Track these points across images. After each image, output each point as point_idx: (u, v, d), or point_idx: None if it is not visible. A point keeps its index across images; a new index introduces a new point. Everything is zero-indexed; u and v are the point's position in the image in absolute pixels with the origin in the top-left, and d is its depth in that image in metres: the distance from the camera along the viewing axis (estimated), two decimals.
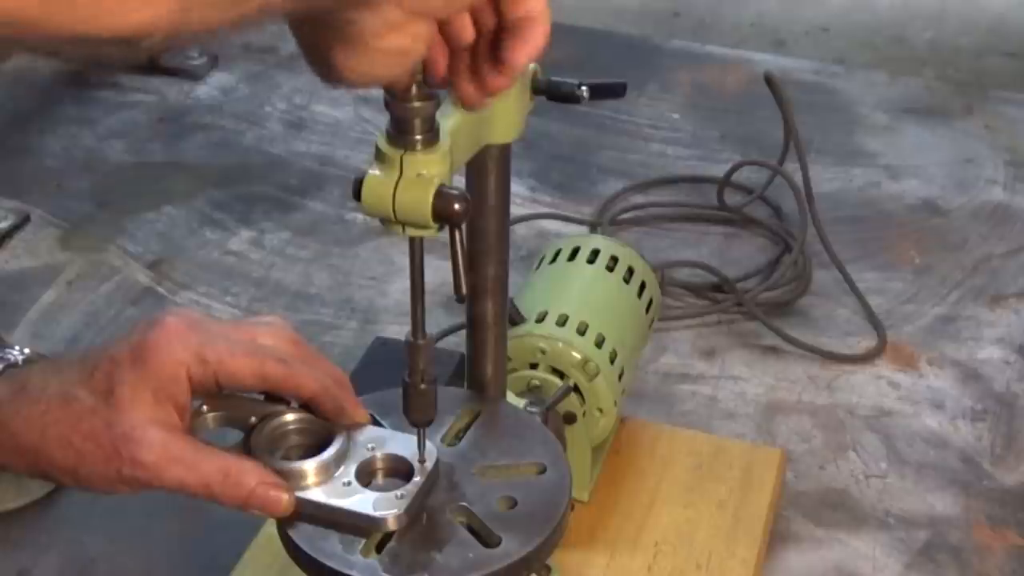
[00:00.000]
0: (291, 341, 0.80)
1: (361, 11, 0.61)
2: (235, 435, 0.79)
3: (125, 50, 0.55)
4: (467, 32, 0.67)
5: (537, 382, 0.97)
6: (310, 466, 0.77)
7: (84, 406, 0.74)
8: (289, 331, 0.81)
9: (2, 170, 1.48)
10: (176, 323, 0.76)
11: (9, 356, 0.88)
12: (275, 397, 0.80)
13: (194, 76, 1.67)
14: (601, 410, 0.98)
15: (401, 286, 1.30)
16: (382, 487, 0.77)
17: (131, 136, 1.56)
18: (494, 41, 0.67)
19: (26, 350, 0.90)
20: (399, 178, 0.69)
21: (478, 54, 0.68)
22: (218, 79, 1.67)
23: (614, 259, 1.06)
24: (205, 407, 0.79)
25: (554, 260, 1.07)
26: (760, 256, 1.37)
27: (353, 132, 1.56)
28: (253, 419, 0.79)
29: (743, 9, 3.10)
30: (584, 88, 0.80)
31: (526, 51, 0.67)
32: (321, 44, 0.63)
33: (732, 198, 1.42)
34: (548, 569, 0.91)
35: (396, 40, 0.62)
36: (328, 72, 0.64)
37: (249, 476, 0.74)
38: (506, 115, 0.79)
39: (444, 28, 0.66)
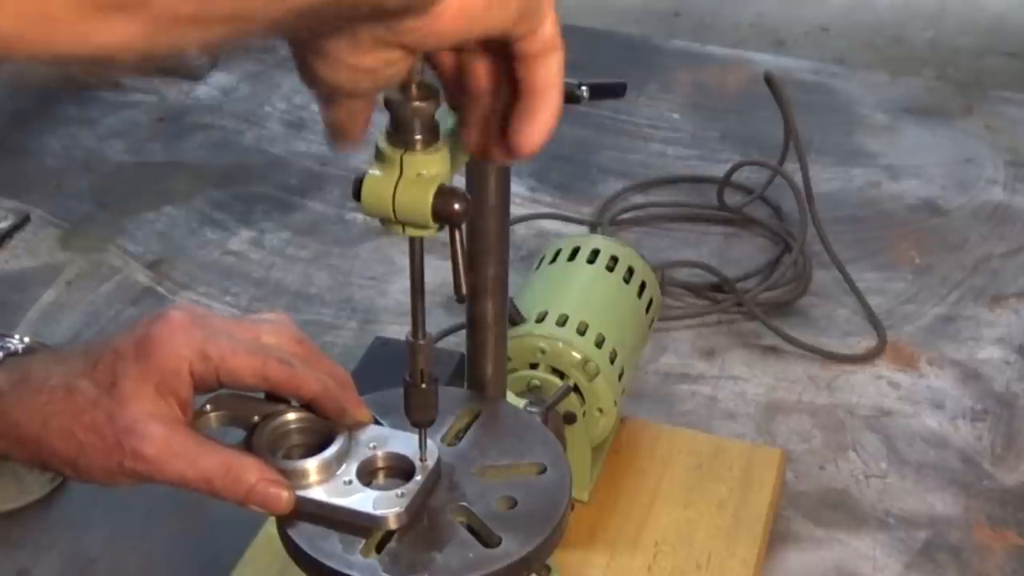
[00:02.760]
0: (295, 340, 0.80)
1: (332, 35, 0.60)
2: (237, 435, 0.79)
3: (96, 72, 0.54)
4: (474, 82, 0.66)
5: (537, 382, 0.97)
6: (311, 465, 0.76)
7: (86, 398, 0.74)
8: (294, 329, 0.81)
9: (2, 170, 1.48)
10: (181, 318, 0.76)
11: (9, 345, 0.88)
12: (277, 396, 0.80)
13: (194, 76, 1.67)
14: (601, 410, 0.98)
15: (401, 286, 1.30)
16: (383, 486, 0.77)
17: (131, 136, 1.56)
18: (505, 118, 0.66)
19: (26, 339, 0.90)
20: (399, 178, 0.69)
21: (489, 120, 0.68)
22: (218, 79, 1.67)
23: (614, 259, 1.06)
24: (208, 406, 0.79)
25: (554, 260, 1.07)
26: (760, 256, 1.37)
27: None
28: (255, 418, 0.79)
29: (743, 9, 3.10)
30: (584, 88, 0.80)
31: (532, 134, 0.65)
32: (295, 50, 0.63)
33: (732, 198, 1.42)
34: (548, 569, 0.91)
35: (366, 61, 0.62)
36: (303, 75, 0.64)
37: (250, 472, 0.74)
38: None
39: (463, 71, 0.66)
